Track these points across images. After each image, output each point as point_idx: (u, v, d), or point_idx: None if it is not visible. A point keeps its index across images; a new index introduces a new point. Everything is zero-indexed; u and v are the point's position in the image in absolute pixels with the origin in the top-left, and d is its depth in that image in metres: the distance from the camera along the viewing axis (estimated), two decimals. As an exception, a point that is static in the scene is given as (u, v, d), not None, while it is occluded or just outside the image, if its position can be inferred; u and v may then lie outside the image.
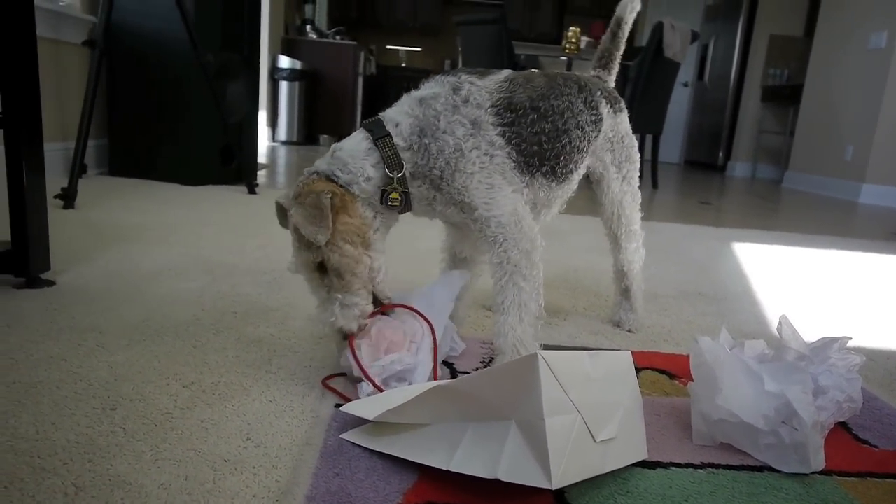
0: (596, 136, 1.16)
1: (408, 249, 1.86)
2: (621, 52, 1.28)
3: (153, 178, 2.91)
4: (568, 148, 1.09)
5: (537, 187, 1.06)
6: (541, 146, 1.04)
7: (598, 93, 1.17)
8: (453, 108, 0.96)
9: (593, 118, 1.14)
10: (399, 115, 0.97)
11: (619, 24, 1.26)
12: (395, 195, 0.95)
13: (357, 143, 0.96)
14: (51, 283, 1.31)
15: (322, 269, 0.93)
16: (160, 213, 2.18)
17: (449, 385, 0.74)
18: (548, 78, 1.10)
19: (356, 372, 0.91)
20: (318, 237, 0.88)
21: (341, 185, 0.93)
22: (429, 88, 0.99)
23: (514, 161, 1.00)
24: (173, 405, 0.85)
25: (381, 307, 0.98)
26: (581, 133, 1.11)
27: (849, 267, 2.25)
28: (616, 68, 1.29)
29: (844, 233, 3.09)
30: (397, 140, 0.95)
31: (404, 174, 0.95)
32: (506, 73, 1.05)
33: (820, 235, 2.91)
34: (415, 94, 1.00)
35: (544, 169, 1.06)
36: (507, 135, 0.99)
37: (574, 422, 0.69)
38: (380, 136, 0.94)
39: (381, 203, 0.96)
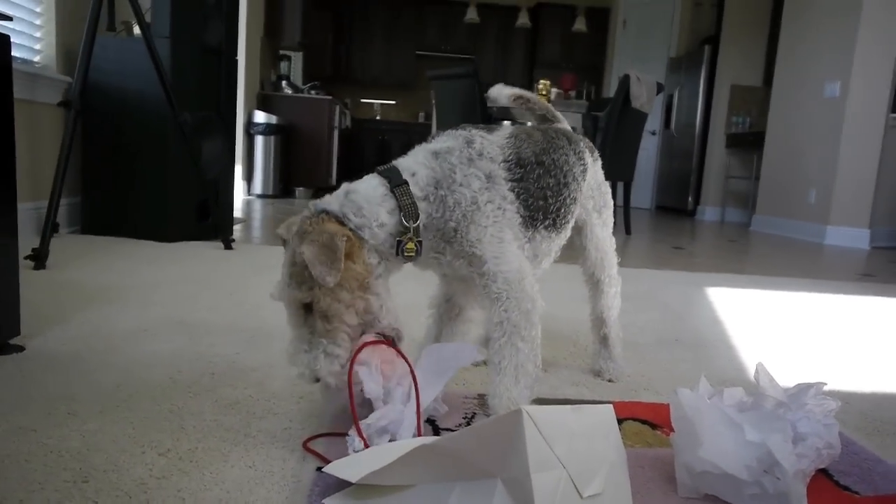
0: (584, 184, 1.21)
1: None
2: (548, 105, 1.33)
3: (127, 236, 2.88)
4: (567, 200, 1.12)
5: (539, 240, 1.08)
6: (545, 200, 1.06)
7: (581, 143, 1.22)
8: (469, 162, 0.98)
9: (582, 168, 1.18)
10: (415, 166, 0.97)
11: (517, 99, 1.30)
12: (410, 245, 0.95)
13: (373, 187, 0.95)
14: (20, 349, 1.28)
15: (308, 308, 0.91)
16: (134, 271, 2.16)
17: (433, 444, 0.73)
18: (542, 132, 1.14)
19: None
20: (328, 279, 0.86)
21: (351, 229, 0.93)
22: (442, 142, 1.01)
23: (521, 216, 1.02)
24: (148, 475, 0.82)
25: (385, 341, 0.96)
26: (576, 185, 1.15)
27: (820, 309, 2.29)
28: (560, 115, 1.33)
29: (813, 274, 3.17)
30: (414, 189, 0.95)
31: (419, 224, 0.95)
32: (508, 128, 1.09)
33: (790, 278, 2.98)
34: (428, 146, 1.01)
35: (547, 222, 1.08)
36: (517, 190, 1.02)
37: (560, 478, 0.69)
38: (398, 184, 0.94)
39: (397, 254, 0.95)
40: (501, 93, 1.29)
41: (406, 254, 0.95)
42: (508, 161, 1.02)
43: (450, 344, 1.05)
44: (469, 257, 0.98)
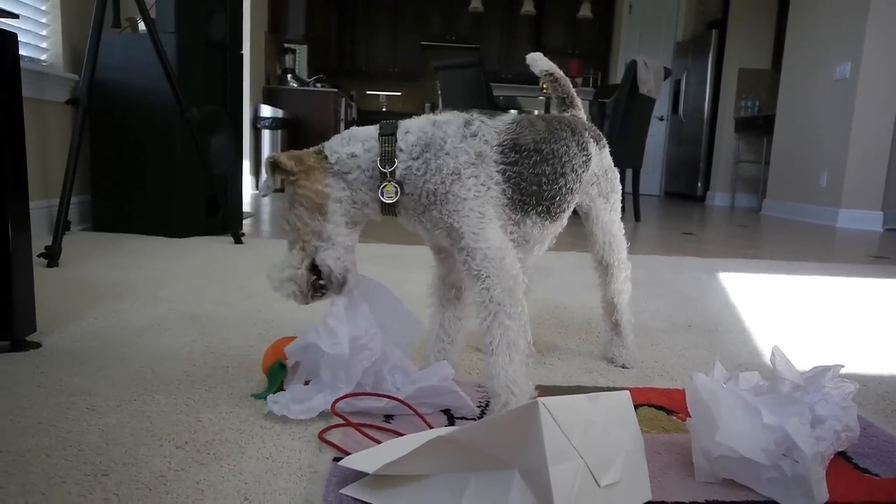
0: (585, 175, 1.21)
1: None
2: (572, 89, 1.33)
3: (138, 232, 2.89)
4: (563, 190, 1.13)
5: (530, 225, 1.09)
6: (540, 187, 1.08)
7: (586, 133, 1.22)
8: (462, 138, 1.01)
9: (584, 159, 1.19)
10: (413, 127, 1.03)
11: (547, 75, 1.31)
12: (389, 187, 1.00)
13: (366, 130, 1.04)
14: (37, 346, 1.29)
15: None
16: (146, 267, 2.17)
17: (449, 435, 0.73)
18: (546, 122, 1.15)
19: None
20: (286, 163, 1.00)
21: (326, 156, 1.01)
22: (445, 115, 1.05)
23: (507, 198, 1.04)
24: (167, 467, 0.83)
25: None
26: (575, 175, 1.16)
27: (833, 292, 2.28)
28: (579, 103, 1.34)
29: (826, 258, 3.14)
30: (400, 143, 1.00)
31: (395, 170, 1.00)
32: (512, 114, 1.10)
33: (802, 262, 2.96)
34: (431, 115, 1.06)
35: (540, 209, 1.09)
36: (508, 173, 1.03)
37: (577, 468, 0.69)
38: (385, 134, 1.01)
39: (381, 196, 1.01)
40: (537, 61, 1.30)
41: (386, 196, 1.00)
42: (503, 145, 1.04)
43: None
44: (447, 228, 1.00)
